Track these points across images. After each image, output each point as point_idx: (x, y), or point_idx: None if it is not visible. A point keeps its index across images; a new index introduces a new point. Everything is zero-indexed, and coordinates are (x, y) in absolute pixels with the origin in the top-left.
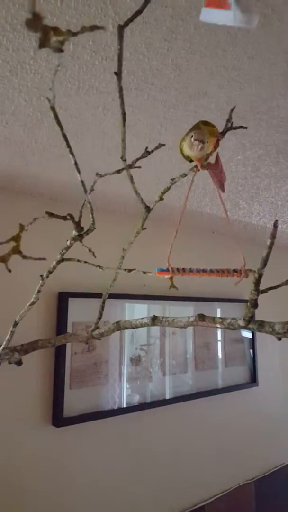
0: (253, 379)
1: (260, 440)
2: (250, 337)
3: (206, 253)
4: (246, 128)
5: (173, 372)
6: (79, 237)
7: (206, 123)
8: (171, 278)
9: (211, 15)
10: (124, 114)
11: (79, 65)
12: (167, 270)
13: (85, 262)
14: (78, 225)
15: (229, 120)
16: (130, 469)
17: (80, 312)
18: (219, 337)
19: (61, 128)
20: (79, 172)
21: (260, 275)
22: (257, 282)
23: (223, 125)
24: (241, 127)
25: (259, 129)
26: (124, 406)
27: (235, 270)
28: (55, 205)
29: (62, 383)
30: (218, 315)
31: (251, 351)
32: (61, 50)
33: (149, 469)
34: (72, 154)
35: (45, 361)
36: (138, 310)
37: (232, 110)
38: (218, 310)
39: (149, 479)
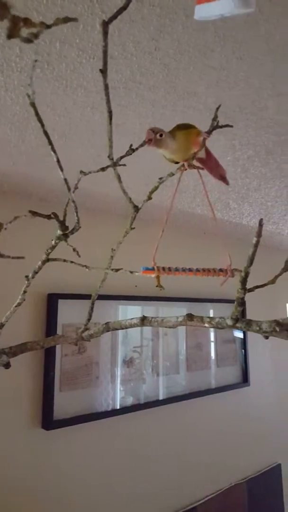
0: (245, 379)
1: (252, 440)
2: (242, 337)
3: (198, 253)
4: (231, 126)
5: (166, 373)
6: (64, 236)
7: (180, 126)
8: (157, 277)
9: (206, 11)
10: (110, 112)
11: (66, 64)
12: (153, 269)
13: (71, 262)
14: (62, 224)
15: (214, 119)
16: (122, 471)
17: (70, 314)
18: (212, 338)
19: (42, 125)
20: (61, 169)
21: (247, 274)
22: (243, 281)
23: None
24: (227, 125)
25: (248, 130)
26: (117, 407)
27: (221, 270)
28: (44, 205)
29: (52, 386)
30: (211, 315)
31: (243, 351)
32: (30, 41)
33: (141, 470)
34: (54, 151)
35: (34, 364)
36: (132, 312)
37: (217, 108)
38: (211, 311)
39: (141, 480)
